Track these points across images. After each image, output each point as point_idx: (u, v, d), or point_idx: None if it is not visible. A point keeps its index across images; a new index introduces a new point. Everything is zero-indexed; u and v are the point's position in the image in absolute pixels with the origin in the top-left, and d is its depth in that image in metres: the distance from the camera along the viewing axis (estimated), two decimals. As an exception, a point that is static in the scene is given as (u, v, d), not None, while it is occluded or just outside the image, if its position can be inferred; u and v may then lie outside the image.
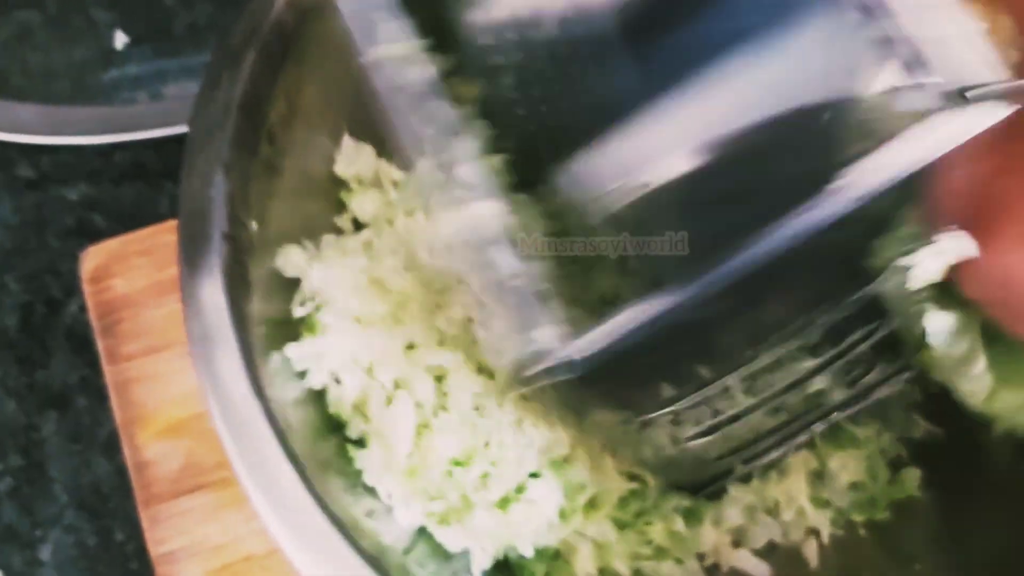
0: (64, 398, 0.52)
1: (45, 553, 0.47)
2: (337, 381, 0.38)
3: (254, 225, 0.39)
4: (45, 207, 0.58)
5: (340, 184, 0.44)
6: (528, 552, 0.38)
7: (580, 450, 0.40)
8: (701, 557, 0.42)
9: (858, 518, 0.43)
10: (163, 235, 0.53)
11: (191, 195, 0.39)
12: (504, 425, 0.39)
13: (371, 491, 0.38)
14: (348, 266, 0.40)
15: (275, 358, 0.37)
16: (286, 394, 0.37)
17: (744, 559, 0.43)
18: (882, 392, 0.44)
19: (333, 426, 0.38)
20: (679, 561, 0.40)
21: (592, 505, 0.40)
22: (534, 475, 0.38)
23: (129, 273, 0.53)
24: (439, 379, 0.38)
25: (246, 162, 0.39)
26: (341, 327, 0.37)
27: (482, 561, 0.38)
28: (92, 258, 0.52)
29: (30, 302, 0.56)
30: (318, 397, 0.38)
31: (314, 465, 0.35)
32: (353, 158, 0.45)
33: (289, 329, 0.38)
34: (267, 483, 0.34)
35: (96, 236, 0.52)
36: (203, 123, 0.39)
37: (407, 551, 0.38)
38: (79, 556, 0.46)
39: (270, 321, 0.38)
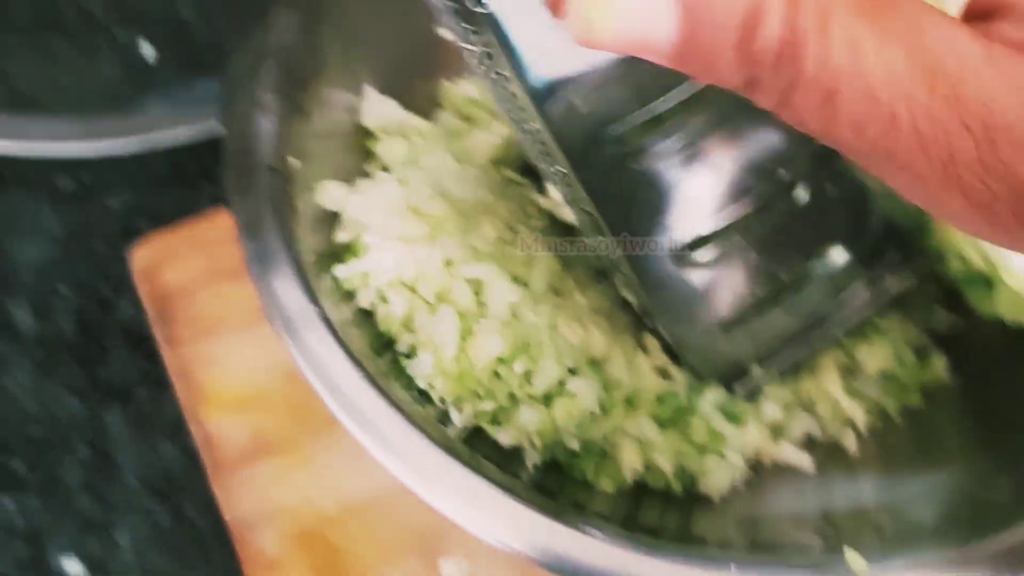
0: (126, 391, 0.54)
1: (123, 538, 0.50)
2: (384, 301, 0.40)
3: (295, 162, 0.42)
4: (90, 217, 0.60)
5: (367, 134, 0.47)
6: (575, 446, 0.40)
7: (615, 350, 0.42)
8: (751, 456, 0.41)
9: (891, 406, 0.44)
10: (208, 226, 0.55)
11: (235, 135, 0.42)
12: (540, 328, 0.40)
13: (427, 397, 0.40)
14: (384, 194, 0.42)
15: (325, 280, 0.39)
16: (339, 315, 0.39)
17: (786, 451, 0.44)
18: (896, 285, 0.45)
19: (384, 344, 0.41)
20: (721, 455, 0.41)
21: (631, 403, 0.41)
22: (572, 371, 0.40)
23: (179, 264, 0.54)
24: (477, 291, 0.41)
25: (280, 105, 0.44)
26: (384, 246, 0.40)
27: (534, 456, 0.41)
28: (142, 254, 0.54)
29: (84, 306, 0.58)
30: (367, 317, 0.41)
31: (378, 375, 0.38)
32: (378, 109, 0.47)
33: (334, 258, 0.41)
34: (338, 386, 0.38)
35: (141, 239, 0.51)
36: (238, 70, 0.43)
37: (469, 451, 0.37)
38: (155, 537, 0.49)
39: (316, 253, 0.41)
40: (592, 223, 0.34)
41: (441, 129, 0.48)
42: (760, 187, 0.37)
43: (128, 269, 0.53)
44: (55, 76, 0.65)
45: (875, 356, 0.44)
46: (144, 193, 0.61)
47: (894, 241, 0.42)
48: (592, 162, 0.31)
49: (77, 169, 0.62)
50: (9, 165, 0.62)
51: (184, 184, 0.62)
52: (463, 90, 0.49)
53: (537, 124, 0.30)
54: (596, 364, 0.41)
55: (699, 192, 0.36)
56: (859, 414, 0.44)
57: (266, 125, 0.43)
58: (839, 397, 0.44)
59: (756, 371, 0.43)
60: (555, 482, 0.40)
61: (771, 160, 0.36)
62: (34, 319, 0.58)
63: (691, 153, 0.36)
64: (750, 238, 0.38)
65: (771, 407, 0.43)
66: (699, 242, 0.36)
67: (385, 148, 0.46)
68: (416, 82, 0.50)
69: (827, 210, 0.39)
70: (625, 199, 0.34)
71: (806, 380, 0.44)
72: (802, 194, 0.38)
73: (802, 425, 0.44)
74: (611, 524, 0.37)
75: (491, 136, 0.46)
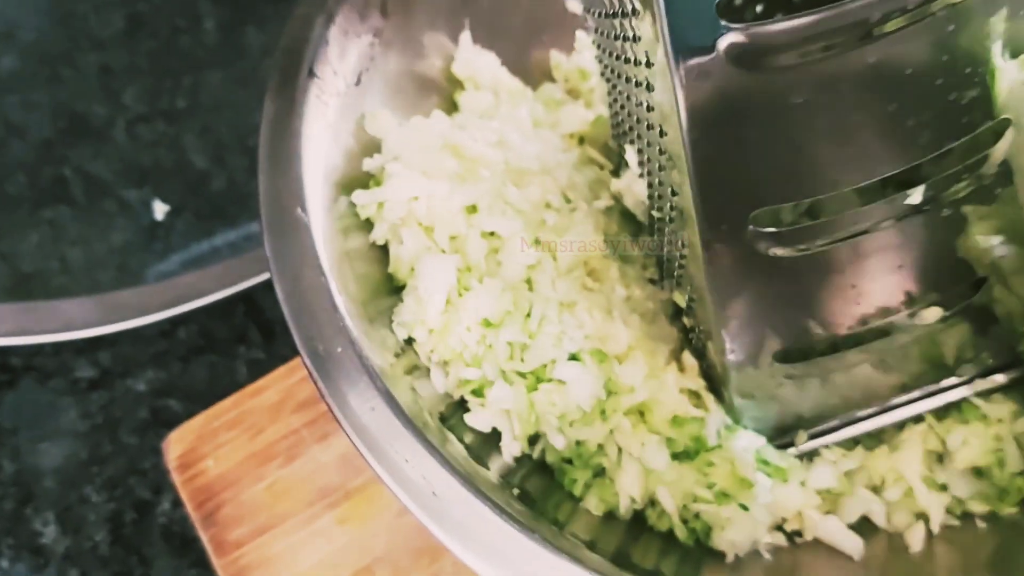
0: None
1: None
2: (398, 239, 0.44)
3: (348, 78, 0.44)
4: (114, 405, 0.58)
5: (456, 83, 0.50)
6: (558, 443, 0.41)
7: (639, 353, 0.42)
8: (782, 520, 0.42)
9: (978, 509, 0.41)
10: (248, 401, 0.53)
11: (290, 35, 0.44)
12: (552, 302, 0.42)
13: (413, 348, 0.42)
14: (426, 129, 0.46)
15: (342, 201, 0.43)
16: (350, 243, 0.42)
17: (834, 529, 0.40)
18: (1013, 372, 0.41)
19: (390, 288, 0.44)
20: (744, 508, 0.40)
21: (640, 414, 0.41)
22: (573, 357, 0.42)
23: (220, 451, 0.51)
24: (494, 247, 0.43)
25: (350, 21, 0.44)
26: (405, 175, 0.44)
27: (512, 445, 0.41)
28: (176, 444, 0.52)
29: (117, 510, 0.55)
30: (382, 253, 0.44)
31: (363, 315, 0.39)
32: (473, 60, 0.50)
33: (359, 184, 0.44)
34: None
35: (175, 423, 0.53)
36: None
37: (445, 419, 0.40)
38: None
39: (343, 177, 0.44)
40: (675, 209, 0.37)
41: (538, 95, 0.52)
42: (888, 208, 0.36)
43: (163, 461, 0.52)
44: (62, 251, 0.64)
45: (970, 447, 0.41)
46: (173, 369, 0.59)
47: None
48: (711, 140, 0.32)
49: (95, 352, 0.59)
50: (20, 357, 0.60)
51: (217, 352, 0.58)
52: (575, 61, 0.54)
53: (653, 94, 0.33)
54: (604, 359, 0.42)
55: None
56: (936, 509, 0.41)
57: (321, 31, 0.43)
58: (916, 484, 0.41)
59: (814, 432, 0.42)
60: (539, 488, 0.40)
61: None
62: (62, 533, 0.54)
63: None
64: (847, 251, 0.36)
65: (826, 472, 0.42)
66: (791, 234, 0.35)
67: (468, 98, 0.50)
68: (525, 46, 0.52)
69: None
70: (729, 182, 0.33)
71: (880, 454, 0.42)
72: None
73: (862, 504, 0.42)
74: (595, 552, 0.36)
75: (585, 112, 0.51)
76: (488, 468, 0.41)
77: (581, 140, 0.51)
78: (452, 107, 0.52)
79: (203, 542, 0.50)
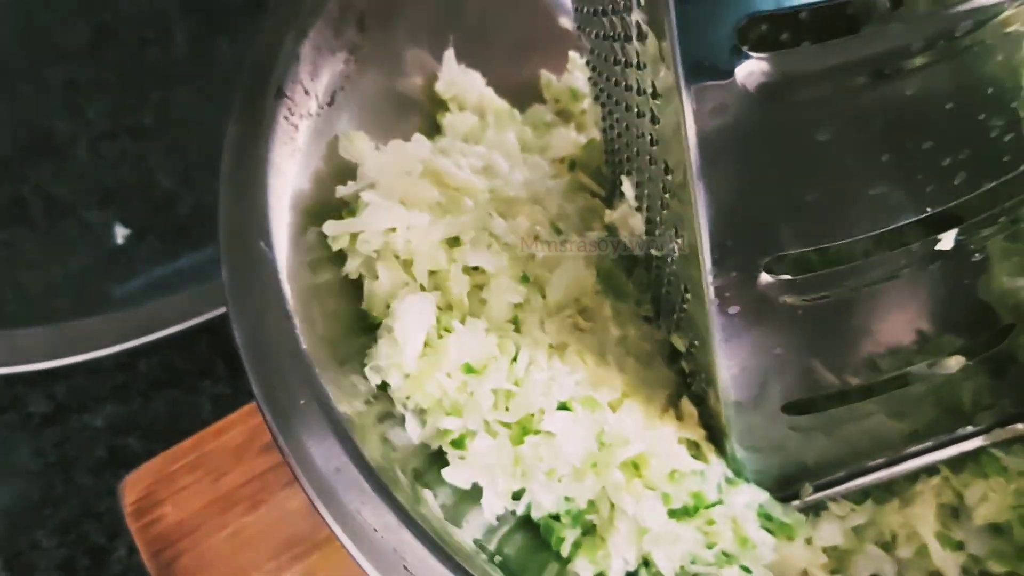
0: None
1: None
2: (372, 273, 0.41)
3: (321, 98, 0.42)
4: (68, 442, 0.54)
5: (438, 104, 0.48)
6: (547, 500, 0.39)
7: (635, 400, 0.40)
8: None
9: (997, 569, 0.38)
10: (211, 442, 0.48)
11: (257, 51, 0.42)
12: (540, 345, 0.40)
13: (387, 393, 0.39)
14: (405, 154, 0.44)
15: (311, 232, 0.40)
16: (320, 278, 0.40)
17: None
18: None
19: (364, 326, 0.41)
20: (746, 571, 0.37)
21: (635, 467, 0.39)
22: (563, 406, 0.39)
23: (179, 496, 0.47)
24: (478, 284, 0.41)
25: (324, 36, 0.42)
26: (381, 205, 0.41)
27: (494, 503, 0.39)
28: (132, 488, 0.48)
29: (70, 557, 0.52)
30: (354, 289, 0.41)
31: (333, 357, 0.37)
32: (457, 79, 0.48)
33: (331, 212, 0.42)
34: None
35: (133, 463, 0.49)
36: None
37: (419, 474, 0.38)
38: None
39: (313, 205, 0.41)
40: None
41: (527, 117, 0.50)
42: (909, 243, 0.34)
43: (121, 505, 0.48)
44: (17, 276, 0.60)
45: (990, 502, 0.38)
46: (132, 404, 0.55)
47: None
48: (724, 177, 0.30)
49: (50, 384, 0.56)
50: None
51: (180, 386, 0.55)
52: (566, 81, 0.52)
53: (657, 126, 0.31)
54: (597, 407, 0.39)
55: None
56: (952, 569, 0.38)
57: (292, 47, 0.40)
58: (930, 542, 0.38)
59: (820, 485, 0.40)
60: (523, 548, 0.37)
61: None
62: (12, 582, 0.60)
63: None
64: (865, 296, 0.34)
65: (833, 528, 0.39)
66: (808, 281, 0.33)
67: (452, 120, 0.47)
68: (513, 65, 0.50)
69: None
70: (742, 224, 0.31)
71: (891, 509, 0.40)
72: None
73: (872, 563, 0.39)
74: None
75: (577, 135, 0.49)
76: (462, 528, 0.38)
77: (572, 165, 0.48)
78: (434, 129, 0.49)
79: (159, 596, 0.48)
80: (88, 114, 0.67)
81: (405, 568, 0.32)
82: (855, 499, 0.41)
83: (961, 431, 0.41)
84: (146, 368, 0.57)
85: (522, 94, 0.51)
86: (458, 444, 0.39)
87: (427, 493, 0.38)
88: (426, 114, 0.49)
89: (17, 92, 0.69)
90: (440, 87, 0.49)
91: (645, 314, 0.44)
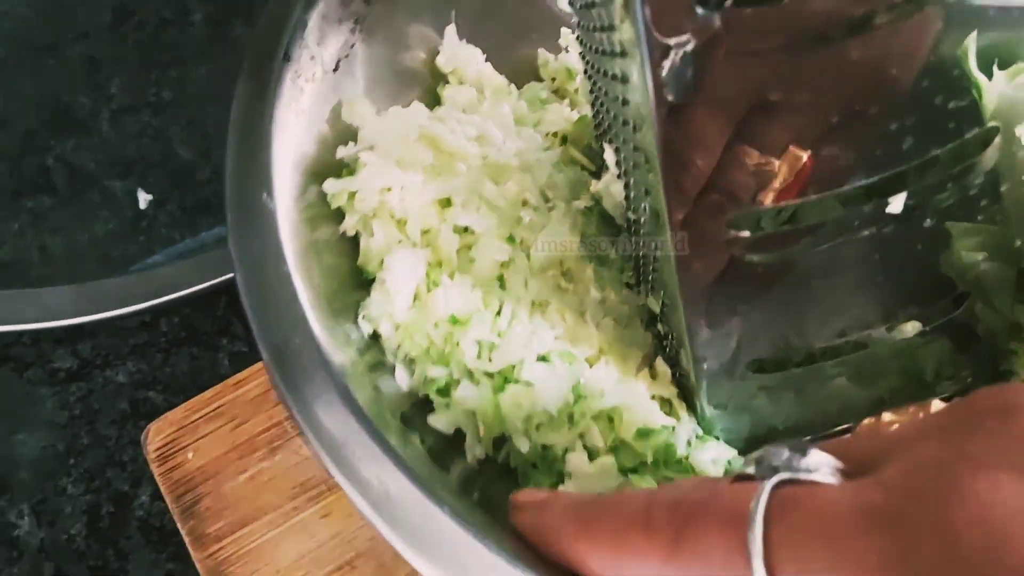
0: None
1: None
2: (368, 230, 0.43)
3: (326, 64, 0.43)
4: (93, 396, 0.57)
5: (439, 77, 0.50)
6: (523, 446, 0.40)
7: (611, 357, 0.42)
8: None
9: None
10: (230, 393, 0.52)
11: (268, 17, 0.43)
12: (523, 301, 0.42)
13: (378, 344, 0.41)
14: (404, 119, 0.45)
15: (312, 190, 0.42)
16: (319, 234, 0.41)
17: None
18: None
19: (359, 281, 0.43)
20: None
21: (609, 420, 0.40)
22: (542, 359, 0.41)
23: (200, 443, 0.50)
24: (467, 244, 0.42)
25: (331, 5, 0.43)
26: (378, 164, 0.43)
27: (476, 448, 0.40)
28: (155, 435, 0.51)
29: (94, 503, 0.54)
30: (351, 245, 0.43)
31: (328, 308, 0.38)
32: (457, 54, 0.50)
33: (332, 172, 0.43)
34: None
35: (155, 415, 0.53)
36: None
37: (407, 419, 0.39)
38: None
39: (314, 165, 0.42)
40: (648, 210, 0.35)
41: (523, 92, 0.52)
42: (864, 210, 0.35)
43: (143, 454, 0.51)
44: (43, 241, 0.63)
45: None
46: (153, 361, 0.57)
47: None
48: (679, 120, 0.31)
49: (75, 343, 0.58)
50: None
51: (199, 345, 0.57)
52: (562, 60, 0.53)
53: (627, 86, 0.32)
54: (574, 361, 0.41)
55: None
56: None
57: (300, 14, 0.42)
58: None
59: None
60: (502, 493, 0.36)
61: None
62: (38, 526, 0.54)
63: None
64: (824, 259, 0.35)
65: None
66: (767, 239, 0.34)
67: (451, 92, 0.49)
68: (512, 43, 0.51)
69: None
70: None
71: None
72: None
73: None
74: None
75: (570, 112, 0.50)
76: (449, 472, 0.40)
77: (564, 140, 0.50)
78: (434, 101, 0.50)
79: (182, 535, 0.48)
80: (110, 89, 0.69)
81: (388, 497, 0.32)
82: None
83: (925, 401, 0.42)
84: (167, 327, 0.58)
85: (520, 71, 0.53)
86: (443, 392, 0.41)
87: (414, 437, 0.39)
88: (427, 86, 0.50)
89: (42, 68, 0.71)
90: (441, 61, 0.50)
91: (627, 280, 0.45)
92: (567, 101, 0.53)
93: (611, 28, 0.33)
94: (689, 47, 0.29)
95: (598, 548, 0.30)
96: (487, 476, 0.42)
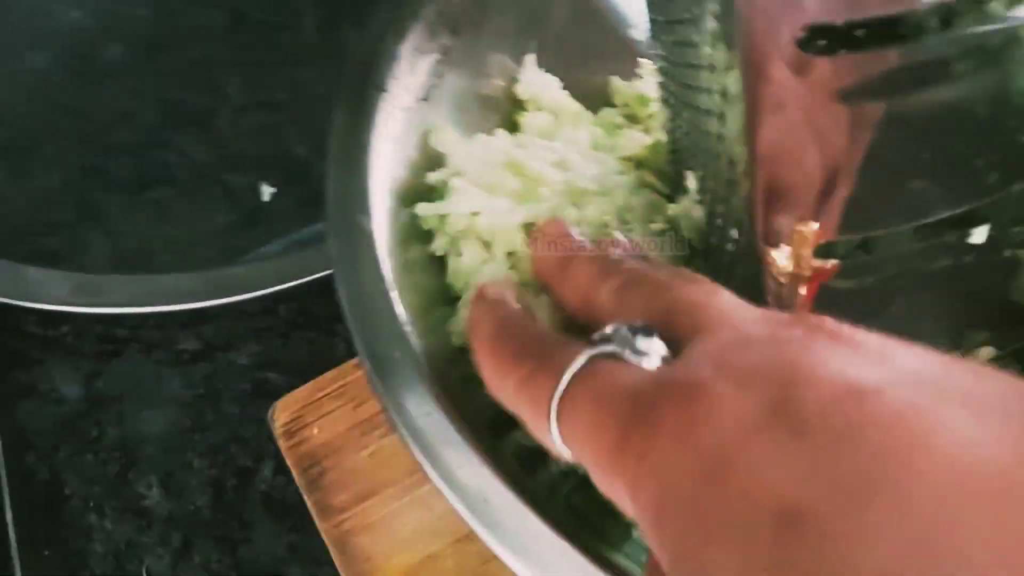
0: (275, 572, 0.53)
1: None
2: (456, 250, 0.43)
3: (416, 93, 0.45)
4: (216, 377, 0.60)
5: (517, 104, 0.51)
6: None
7: None
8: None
9: None
10: (351, 373, 0.54)
11: (361, 49, 0.45)
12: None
13: (466, 357, 0.41)
14: (489, 146, 0.46)
15: (403, 212, 0.43)
16: (410, 254, 0.42)
17: None
18: None
19: (447, 298, 0.43)
20: None
21: None
22: None
23: (324, 419, 0.52)
24: None
25: (421, 38, 0.45)
26: (467, 190, 0.44)
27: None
28: (283, 411, 0.53)
29: (219, 476, 0.57)
30: (439, 265, 0.44)
31: (421, 322, 0.39)
32: (536, 81, 0.51)
33: (422, 196, 0.45)
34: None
35: (275, 394, 0.55)
36: None
37: (496, 429, 0.39)
38: None
39: (405, 189, 0.44)
40: (734, 240, 0.36)
41: (598, 119, 0.53)
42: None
43: (265, 432, 0.54)
44: (165, 231, 0.66)
45: None
46: (273, 345, 0.60)
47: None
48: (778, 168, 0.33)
49: (198, 326, 0.61)
50: (125, 328, 0.61)
51: (316, 329, 0.60)
52: (635, 87, 0.55)
53: (723, 116, 0.33)
54: None
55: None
56: None
57: (391, 46, 0.45)
58: None
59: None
60: (585, 499, 0.38)
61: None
62: (165, 497, 0.56)
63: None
64: (906, 288, 0.36)
65: None
66: (846, 268, 0.34)
67: (530, 119, 0.50)
68: (587, 72, 0.53)
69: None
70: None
71: None
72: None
73: None
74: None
75: (644, 137, 0.51)
76: (537, 479, 0.40)
77: (638, 164, 0.51)
78: (513, 127, 0.52)
79: (307, 506, 0.51)
80: (227, 89, 0.72)
81: (486, 501, 0.35)
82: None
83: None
84: (285, 313, 0.61)
85: (594, 98, 0.54)
86: None
87: (503, 445, 0.40)
88: (506, 113, 0.52)
89: (161, 68, 0.74)
90: (519, 89, 0.52)
91: None
92: (641, 127, 0.54)
93: (711, 68, 0.34)
94: (789, 93, 0.30)
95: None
96: (571, 484, 0.42)
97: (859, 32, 0.30)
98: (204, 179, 0.67)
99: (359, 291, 0.40)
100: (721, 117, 0.35)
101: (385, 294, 0.40)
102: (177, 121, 0.71)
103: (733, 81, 0.32)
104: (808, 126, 0.32)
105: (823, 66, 0.30)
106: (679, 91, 0.41)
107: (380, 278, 0.41)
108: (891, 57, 0.30)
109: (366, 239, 0.41)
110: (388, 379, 0.38)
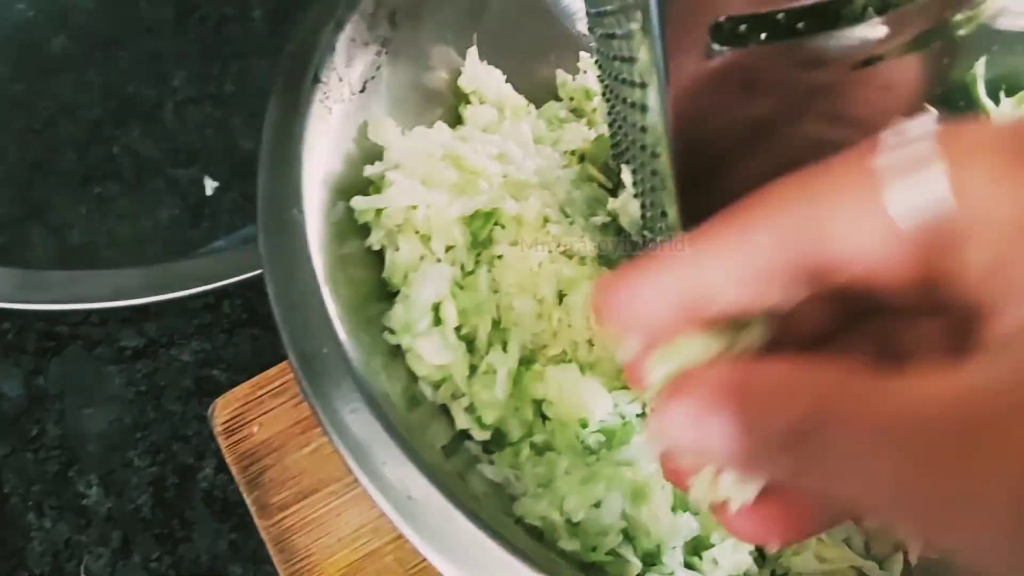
0: (215, 571, 0.53)
1: None
2: (394, 245, 0.44)
3: (353, 85, 0.44)
4: (158, 374, 0.60)
5: (461, 97, 0.51)
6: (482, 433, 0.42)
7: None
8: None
9: None
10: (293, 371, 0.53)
11: (297, 40, 0.45)
12: (528, 315, 0.43)
13: (402, 359, 0.42)
14: (428, 139, 0.46)
15: (339, 206, 0.43)
16: (346, 248, 0.42)
17: (805, 562, 0.40)
18: None
19: (383, 294, 0.44)
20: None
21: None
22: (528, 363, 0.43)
23: (265, 416, 0.52)
24: (490, 260, 0.44)
25: (358, 30, 0.45)
26: (404, 184, 0.44)
27: (480, 434, 0.41)
28: (223, 409, 0.53)
29: (160, 475, 0.57)
30: (377, 259, 0.44)
31: (354, 319, 0.39)
32: (479, 75, 0.50)
33: (359, 190, 0.44)
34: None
35: (218, 391, 0.54)
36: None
37: (427, 426, 0.40)
38: None
39: (342, 182, 0.44)
40: (665, 231, 0.36)
41: (542, 112, 0.53)
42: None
43: (207, 430, 0.54)
44: (110, 226, 0.65)
45: None
46: (217, 341, 0.60)
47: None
48: (699, 162, 0.32)
49: (141, 323, 0.61)
50: (67, 325, 0.61)
51: (260, 326, 0.60)
52: (580, 81, 0.55)
53: (647, 115, 0.33)
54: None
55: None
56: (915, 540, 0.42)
57: (329, 38, 0.44)
58: None
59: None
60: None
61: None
62: (105, 496, 0.56)
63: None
64: None
65: None
66: None
67: (473, 112, 0.50)
68: (531, 65, 0.53)
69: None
70: (717, 207, 0.32)
71: None
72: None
73: (841, 531, 0.40)
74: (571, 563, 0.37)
75: (588, 131, 0.51)
76: (468, 484, 0.40)
77: (582, 158, 0.51)
78: (456, 120, 0.52)
79: (246, 505, 0.50)
80: (173, 82, 0.71)
81: (409, 498, 0.34)
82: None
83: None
84: (229, 309, 0.61)
85: (539, 92, 0.54)
86: (456, 395, 0.43)
87: (433, 443, 0.41)
88: (449, 106, 0.52)
89: (108, 60, 0.73)
90: (463, 81, 0.51)
91: None
92: (584, 120, 0.54)
93: (631, 59, 0.34)
94: (705, 80, 0.30)
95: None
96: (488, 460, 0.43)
97: (779, 17, 0.29)
98: (149, 173, 0.67)
99: (288, 286, 0.40)
100: (644, 109, 0.34)
101: (316, 290, 0.40)
102: (123, 115, 0.70)
103: (652, 72, 0.32)
104: (722, 116, 0.32)
105: (736, 56, 0.30)
106: (612, 84, 0.41)
107: (311, 274, 0.40)
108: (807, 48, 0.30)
109: (298, 234, 0.41)
110: (314, 375, 0.38)
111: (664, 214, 0.37)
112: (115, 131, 0.69)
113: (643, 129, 0.36)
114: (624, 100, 0.38)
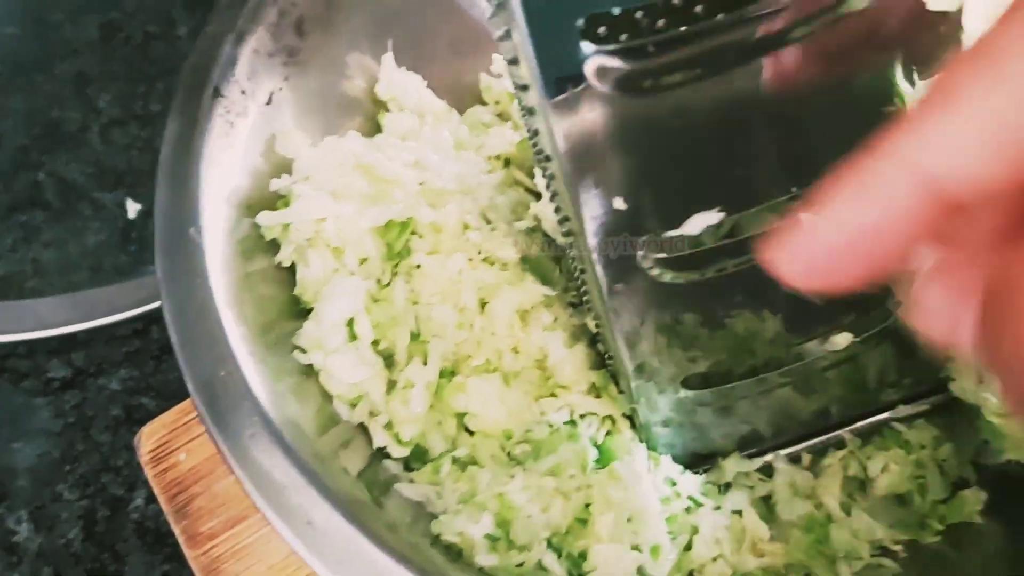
0: None
1: None
2: (304, 260, 0.43)
3: (258, 98, 0.43)
4: (87, 404, 0.58)
5: (380, 105, 0.50)
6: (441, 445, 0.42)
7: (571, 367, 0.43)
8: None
9: (900, 538, 0.40)
10: None
11: (198, 53, 0.44)
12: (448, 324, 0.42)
13: (315, 378, 0.41)
14: (338, 149, 0.45)
15: (245, 222, 0.42)
16: (253, 266, 0.41)
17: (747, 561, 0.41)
18: (936, 397, 0.41)
19: (296, 311, 0.43)
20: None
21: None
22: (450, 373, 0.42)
23: (192, 444, 0.51)
24: (408, 271, 0.43)
25: (262, 40, 0.44)
26: (312, 197, 0.43)
27: (398, 451, 0.41)
28: (148, 437, 0.51)
29: (90, 508, 0.55)
30: (288, 276, 0.43)
31: (262, 339, 0.38)
32: (397, 81, 0.50)
33: (268, 205, 0.44)
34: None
35: (148, 420, 0.53)
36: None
37: (344, 446, 0.39)
38: None
39: (248, 198, 0.43)
40: (571, 233, 0.36)
41: (465, 117, 0.52)
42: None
43: (136, 460, 0.52)
44: (35, 254, 0.64)
45: (890, 473, 0.40)
46: (146, 368, 0.59)
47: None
48: (590, 165, 0.32)
49: (68, 352, 0.59)
50: None
51: (190, 352, 0.69)
52: (504, 83, 0.54)
53: (535, 119, 0.33)
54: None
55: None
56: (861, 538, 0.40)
57: (229, 49, 0.43)
58: (833, 511, 0.40)
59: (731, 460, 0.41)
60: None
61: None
62: (35, 531, 0.55)
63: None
64: (752, 277, 0.35)
65: (740, 497, 0.41)
66: (678, 261, 0.34)
67: (391, 120, 0.49)
68: (453, 68, 0.52)
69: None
70: (613, 209, 0.33)
71: (801, 480, 0.42)
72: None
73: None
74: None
75: (513, 134, 0.50)
76: (382, 506, 0.40)
77: (507, 162, 0.50)
78: (376, 129, 0.50)
79: (175, 535, 0.49)
80: (99, 104, 0.70)
81: (308, 524, 0.34)
82: (767, 473, 0.43)
83: (869, 409, 0.43)
84: (158, 334, 0.60)
85: (464, 97, 0.53)
86: (374, 413, 0.42)
87: (343, 464, 0.40)
88: (368, 115, 0.50)
89: (32, 85, 0.72)
90: (380, 89, 0.50)
91: (572, 300, 0.45)
92: (510, 124, 0.53)
93: (515, 62, 0.33)
94: (586, 87, 0.30)
95: None
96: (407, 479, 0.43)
97: (638, 15, 0.28)
98: (75, 198, 0.66)
99: (185, 308, 0.39)
100: (532, 112, 0.34)
101: (213, 311, 0.39)
102: (48, 140, 0.69)
103: (533, 77, 0.31)
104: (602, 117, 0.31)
105: (609, 59, 0.29)
106: (516, 88, 0.42)
107: (208, 294, 0.39)
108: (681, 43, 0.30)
109: (195, 254, 0.40)
110: (211, 400, 0.37)
111: (567, 218, 0.36)
112: (40, 157, 0.68)
113: (536, 132, 0.35)
114: (522, 104, 0.38)
